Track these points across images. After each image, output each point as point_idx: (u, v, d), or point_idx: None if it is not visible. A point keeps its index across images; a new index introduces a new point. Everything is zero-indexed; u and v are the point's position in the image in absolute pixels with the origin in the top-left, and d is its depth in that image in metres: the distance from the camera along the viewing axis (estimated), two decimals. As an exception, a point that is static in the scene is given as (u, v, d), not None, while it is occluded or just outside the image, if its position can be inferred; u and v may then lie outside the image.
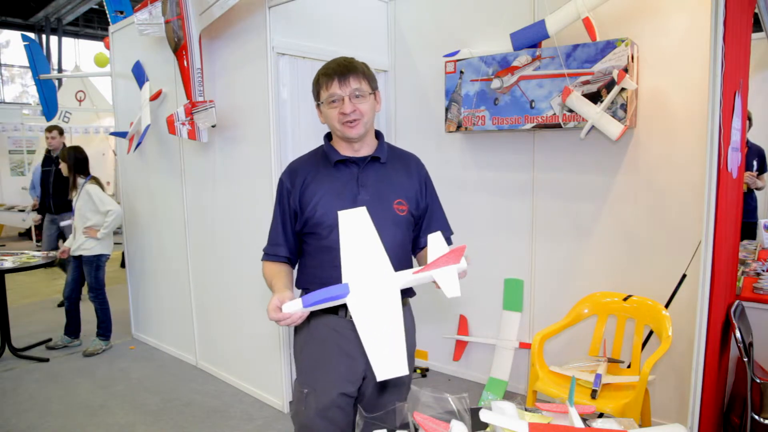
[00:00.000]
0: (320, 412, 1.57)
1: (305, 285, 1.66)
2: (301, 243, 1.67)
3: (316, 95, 1.60)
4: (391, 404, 1.35)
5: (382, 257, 1.30)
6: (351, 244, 1.32)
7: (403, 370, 1.14)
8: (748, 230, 3.95)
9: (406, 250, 1.65)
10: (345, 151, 1.61)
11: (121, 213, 4.11)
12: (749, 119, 3.96)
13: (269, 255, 1.66)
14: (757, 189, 4.20)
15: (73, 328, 4.29)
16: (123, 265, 6.04)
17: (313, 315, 1.48)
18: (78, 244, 4.05)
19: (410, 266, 1.40)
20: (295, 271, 1.71)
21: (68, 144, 4.93)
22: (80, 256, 4.08)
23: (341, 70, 1.52)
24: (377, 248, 1.31)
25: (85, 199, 4.04)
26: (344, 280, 1.25)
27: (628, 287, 2.72)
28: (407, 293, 1.66)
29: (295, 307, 1.27)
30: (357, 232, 1.34)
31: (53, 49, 12.58)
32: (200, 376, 3.70)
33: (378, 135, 1.68)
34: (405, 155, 1.74)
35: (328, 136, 1.68)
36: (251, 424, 3.00)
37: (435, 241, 1.38)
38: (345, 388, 1.59)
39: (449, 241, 1.71)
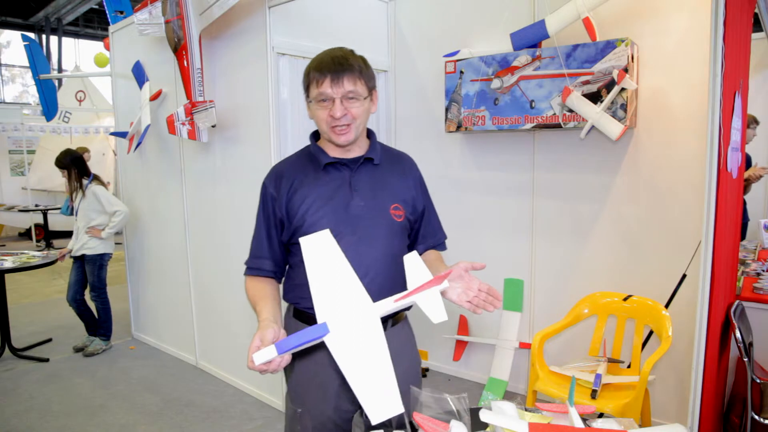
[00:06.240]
0: (317, 431, 1.47)
1: (294, 300, 1.53)
2: (287, 253, 1.54)
3: (306, 89, 1.43)
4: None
5: (356, 286, 1.19)
6: (319, 274, 1.21)
7: (397, 409, 1.05)
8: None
9: (401, 260, 1.54)
10: (334, 152, 1.47)
11: (128, 213, 4.09)
12: (756, 121, 3.93)
13: (252, 269, 1.52)
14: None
15: (94, 327, 4.23)
16: None
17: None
18: (81, 244, 4.03)
19: (404, 277, 1.30)
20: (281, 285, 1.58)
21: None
22: (82, 256, 4.07)
23: (335, 67, 1.35)
24: (349, 276, 1.20)
25: (91, 199, 4.01)
26: (319, 316, 1.15)
27: (628, 287, 2.72)
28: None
29: (269, 355, 1.12)
30: (323, 260, 1.22)
31: (53, 49, 12.59)
32: (200, 376, 3.70)
33: (369, 134, 1.53)
34: (398, 155, 1.61)
35: (315, 135, 1.53)
36: (251, 424, 3.00)
37: (412, 263, 1.27)
38: (340, 404, 1.46)
39: (443, 246, 1.62)
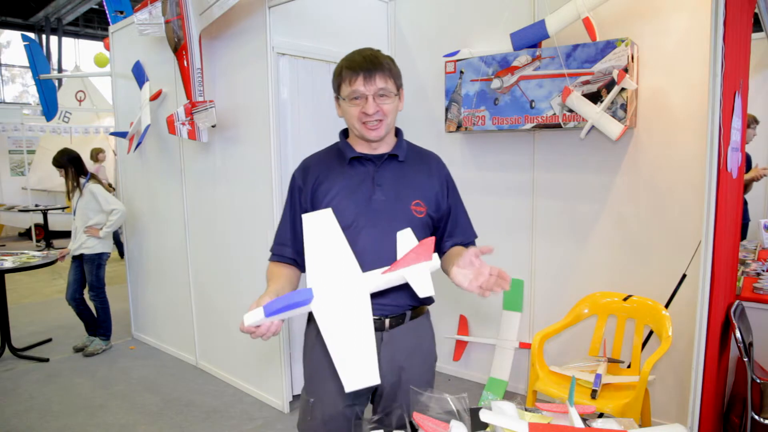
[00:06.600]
0: (326, 423, 1.51)
1: None
2: None
3: (337, 88, 1.49)
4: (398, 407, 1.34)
5: (349, 260, 1.22)
6: (315, 246, 1.25)
7: (373, 380, 1.05)
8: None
9: None
10: (361, 148, 1.53)
11: (126, 212, 4.09)
12: (756, 121, 3.93)
13: (275, 255, 1.58)
14: None
15: (93, 326, 4.22)
16: (122, 255, 5.97)
17: None
18: (79, 243, 4.03)
19: None
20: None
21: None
22: (81, 256, 4.07)
23: (367, 66, 1.42)
24: (343, 250, 1.24)
25: (89, 198, 4.01)
26: (308, 284, 1.17)
27: (628, 287, 2.72)
28: (426, 301, 1.57)
29: (257, 316, 1.14)
30: (322, 235, 1.27)
31: (53, 49, 12.59)
32: (200, 376, 3.70)
33: (397, 132, 1.59)
34: (426, 154, 1.65)
35: (344, 133, 1.59)
36: (251, 424, 3.00)
37: (404, 239, 1.29)
38: (352, 399, 1.51)
39: (473, 245, 1.61)
